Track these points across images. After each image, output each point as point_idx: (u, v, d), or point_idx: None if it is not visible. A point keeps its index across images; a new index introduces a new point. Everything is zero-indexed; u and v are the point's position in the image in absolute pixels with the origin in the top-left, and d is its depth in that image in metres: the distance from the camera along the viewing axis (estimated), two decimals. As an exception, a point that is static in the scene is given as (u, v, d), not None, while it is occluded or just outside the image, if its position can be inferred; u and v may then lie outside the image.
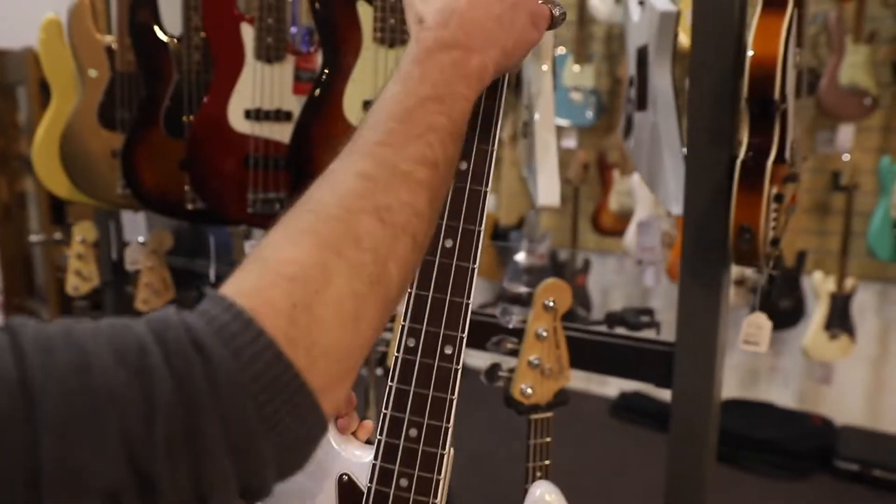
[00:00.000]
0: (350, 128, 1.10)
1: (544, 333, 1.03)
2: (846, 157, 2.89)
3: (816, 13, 2.88)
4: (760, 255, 1.00)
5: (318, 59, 1.21)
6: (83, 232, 1.74)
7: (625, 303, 3.54)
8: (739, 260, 1.03)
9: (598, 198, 3.28)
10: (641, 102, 1.37)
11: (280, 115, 1.23)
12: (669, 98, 1.30)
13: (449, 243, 0.61)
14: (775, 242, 1.02)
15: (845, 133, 2.90)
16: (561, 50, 3.25)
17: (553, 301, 1.02)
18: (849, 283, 2.87)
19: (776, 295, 2.95)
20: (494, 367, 1.09)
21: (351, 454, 0.67)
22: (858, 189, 2.86)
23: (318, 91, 1.11)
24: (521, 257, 3.12)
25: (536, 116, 1.38)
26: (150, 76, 1.43)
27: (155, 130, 1.40)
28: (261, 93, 1.23)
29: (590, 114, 3.27)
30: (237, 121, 1.24)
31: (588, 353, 1.22)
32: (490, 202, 2.72)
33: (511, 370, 1.08)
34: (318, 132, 1.12)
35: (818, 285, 2.86)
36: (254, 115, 1.23)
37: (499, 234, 3.42)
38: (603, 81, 3.36)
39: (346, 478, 0.65)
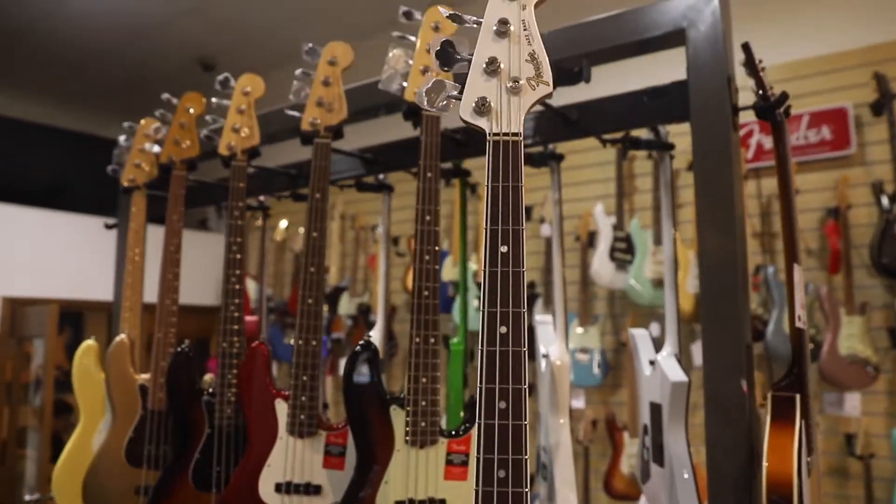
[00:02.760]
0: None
1: None
2: (857, 422, 2.90)
3: (808, 283, 3.05)
4: None
5: (348, 434, 1.26)
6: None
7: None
8: None
9: (609, 459, 3.24)
10: (657, 457, 1.41)
11: (310, 489, 1.26)
12: (685, 463, 1.34)
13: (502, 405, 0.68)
14: None
15: (852, 401, 2.94)
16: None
17: None
18: (879, 558, 2.75)
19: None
20: None
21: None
22: (874, 453, 2.84)
23: (352, 488, 1.15)
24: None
25: (556, 471, 1.41)
26: (182, 426, 1.48)
27: (183, 481, 1.43)
28: (292, 466, 1.27)
29: (596, 373, 3.33)
30: (268, 493, 1.26)
31: None
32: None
33: None
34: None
35: (848, 564, 2.74)
36: (284, 488, 1.26)
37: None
38: (608, 340, 3.46)
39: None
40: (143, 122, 1.83)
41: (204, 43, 4.79)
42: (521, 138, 0.73)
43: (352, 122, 1.58)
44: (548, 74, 0.75)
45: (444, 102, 0.75)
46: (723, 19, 1.18)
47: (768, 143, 3.35)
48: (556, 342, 1.54)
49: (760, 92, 1.17)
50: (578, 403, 3.30)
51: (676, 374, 1.36)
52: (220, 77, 1.55)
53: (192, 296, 4.21)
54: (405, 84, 1.27)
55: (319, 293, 1.30)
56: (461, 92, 0.74)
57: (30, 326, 4.11)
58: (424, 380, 1.13)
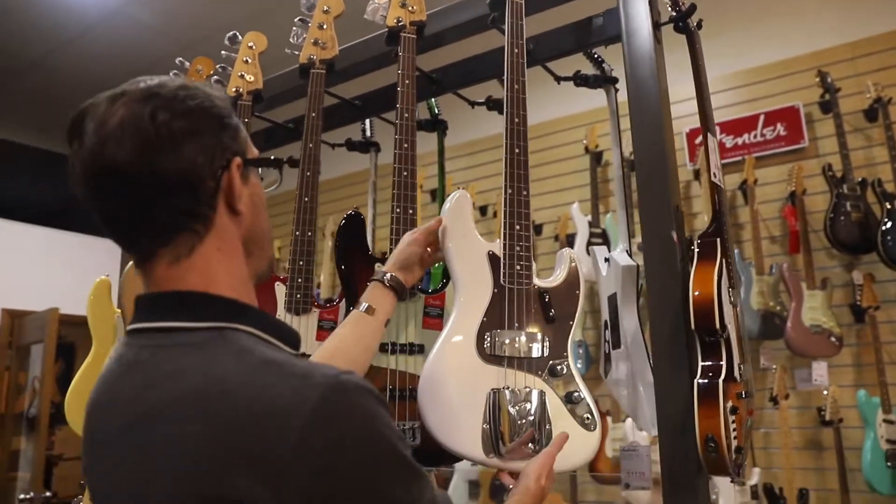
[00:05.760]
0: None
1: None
2: (826, 392, 3.06)
3: (772, 265, 3.26)
4: (728, 463, 1.14)
5: (340, 310, 1.45)
6: None
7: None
8: (711, 469, 1.16)
9: (596, 441, 3.36)
10: (616, 342, 1.59)
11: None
12: (638, 336, 1.52)
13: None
14: (739, 450, 1.17)
15: (819, 369, 3.11)
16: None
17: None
18: (857, 522, 2.86)
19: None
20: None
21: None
22: (844, 423, 2.98)
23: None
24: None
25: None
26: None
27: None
28: (290, 340, 1.45)
29: (578, 365, 3.49)
30: (269, 364, 1.44)
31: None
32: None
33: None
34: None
35: (826, 528, 2.85)
36: (284, 358, 1.44)
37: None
38: (588, 334, 3.63)
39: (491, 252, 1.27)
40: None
41: (204, 78, 5.09)
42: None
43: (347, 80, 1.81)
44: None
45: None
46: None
47: (729, 141, 3.62)
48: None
49: (675, 8, 1.41)
50: (563, 390, 3.44)
51: (626, 260, 1.56)
52: (230, 34, 1.80)
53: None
54: (385, 15, 1.51)
55: (315, 179, 1.50)
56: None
57: (29, 333, 4.24)
58: (404, 242, 1.33)
